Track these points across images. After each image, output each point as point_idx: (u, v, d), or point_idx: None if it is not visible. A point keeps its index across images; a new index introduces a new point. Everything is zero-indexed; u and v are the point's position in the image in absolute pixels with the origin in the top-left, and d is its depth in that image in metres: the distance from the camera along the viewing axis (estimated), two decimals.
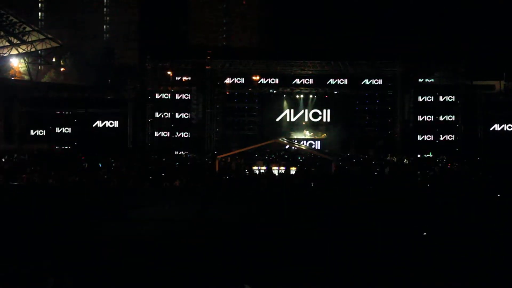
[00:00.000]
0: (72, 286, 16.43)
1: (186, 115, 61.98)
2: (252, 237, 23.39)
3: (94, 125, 61.38)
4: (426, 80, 62.28)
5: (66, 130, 61.60)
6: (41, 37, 63.31)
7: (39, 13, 77.82)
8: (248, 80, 62.41)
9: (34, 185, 38.96)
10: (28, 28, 62.20)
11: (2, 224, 24.91)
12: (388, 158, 56.75)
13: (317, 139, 63.42)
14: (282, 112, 64.33)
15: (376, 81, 61.42)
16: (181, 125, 62.04)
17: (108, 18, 77.80)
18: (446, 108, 60.02)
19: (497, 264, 19.16)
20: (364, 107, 63.37)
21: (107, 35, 77.36)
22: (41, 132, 61.66)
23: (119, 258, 19.89)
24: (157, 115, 61.53)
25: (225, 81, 62.55)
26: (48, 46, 63.88)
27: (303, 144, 61.15)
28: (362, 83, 61.75)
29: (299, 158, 56.18)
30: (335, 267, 19.03)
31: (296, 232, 24.13)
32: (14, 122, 61.32)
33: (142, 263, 19.03)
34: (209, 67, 60.90)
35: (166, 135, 61.73)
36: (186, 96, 61.77)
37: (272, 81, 62.38)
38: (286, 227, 25.17)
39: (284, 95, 63.88)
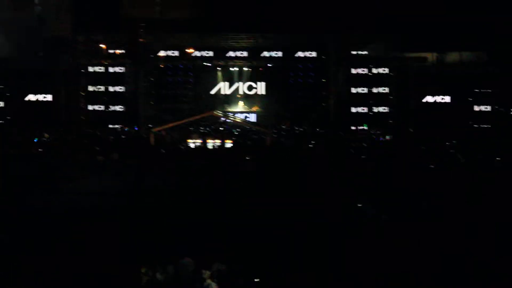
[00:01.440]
0: None
1: (120, 89, 61.36)
2: (188, 208, 23.44)
3: (26, 99, 60.32)
4: (359, 52, 62.68)
5: None
6: None
7: None
8: (182, 53, 62.05)
9: None
10: None
11: None
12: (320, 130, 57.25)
13: (252, 112, 63.51)
14: (216, 85, 64.13)
15: (310, 54, 61.66)
16: (115, 98, 61.35)
17: None
18: (380, 80, 60.61)
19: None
20: (298, 79, 63.57)
21: (39, 6, 75.92)
22: None
23: (52, 232, 19.76)
24: (90, 88, 60.80)
25: (158, 54, 62.04)
26: None
27: (238, 117, 61.20)
28: (296, 55, 61.88)
29: (234, 131, 56.32)
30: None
31: (232, 204, 24.27)
32: None
33: (76, 237, 18.90)
34: (142, 40, 60.34)
35: (100, 108, 61.08)
36: (120, 69, 61.14)
37: (206, 54, 62.11)
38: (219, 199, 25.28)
39: (219, 68, 63.67)
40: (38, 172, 32.71)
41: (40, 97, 60.34)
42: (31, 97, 60.31)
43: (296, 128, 58.66)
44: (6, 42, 62.41)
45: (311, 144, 49.05)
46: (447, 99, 59.36)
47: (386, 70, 60.50)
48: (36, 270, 16.04)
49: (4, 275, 15.75)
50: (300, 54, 61.74)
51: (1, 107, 60.20)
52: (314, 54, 61.69)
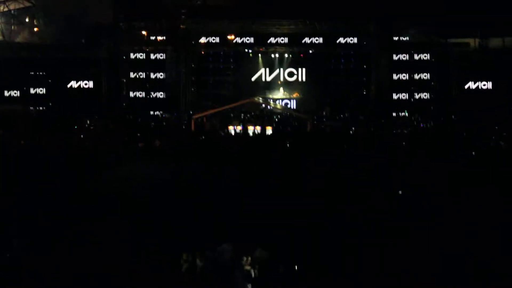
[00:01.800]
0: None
1: (161, 75, 61.63)
2: (229, 196, 23.46)
3: (68, 86, 60.86)
4: (401, 38, 62.20)
5: (41, 91, 60.99)
6: None
7: None
8: (223, 40, 62.08)
9: (8, 146, 38.68)
10: None
11: None
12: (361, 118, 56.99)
13: (293, 99, 63.40)
14: (257, 71, 64.01)
15: (351, 40, 61.28)
16: (156, 85, 61.66)
17: None
18: (421, 66, 60.13)
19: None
20: (339, 66, 63.29)
21: None
22: (15, 93, 61.06)
23: (96, 217, 19.96)
24: (132, 75, 61.16)
25: (200, 41, 62.14)
26: (21, 5, 62.97)
27: (278, 103, 61.18)
28: (337, 41, 61.57)
29: (274, 117, 56.31)
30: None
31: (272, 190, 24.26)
32: None
33: (115, 224, 19.06)
34: (183, 26, 60.46)
35: (141, 95, 61.42)
36: (161, 56, 61.38)
37: (247, 40, 62.09)
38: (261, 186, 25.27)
39: (259, 54, 63.61)
40: (80, 159, 32.99)
41: (82, 84, 60.84)
42: (73, 84, 60.81)
43: (337, 115, 58.41)
44: (48, 29, 62.99)
45: (352, 130, 48.89)
46: (489, 85, 58.71)
47: (427, 56, 59.98)
48: (82, 251, 16.29)
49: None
50: (341, 40, 61.38)
51: (43, 94, 60.80)
52: (355, 40, 61.30)
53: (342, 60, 63.12)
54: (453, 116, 54.76)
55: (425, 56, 59.96)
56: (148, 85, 61.26)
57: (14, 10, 63.27)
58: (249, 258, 15.25)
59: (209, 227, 18.58)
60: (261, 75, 64.13)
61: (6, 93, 60.99)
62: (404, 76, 60.12)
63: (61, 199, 22.58)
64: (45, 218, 19.50)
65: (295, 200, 22.47)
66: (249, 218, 19.76)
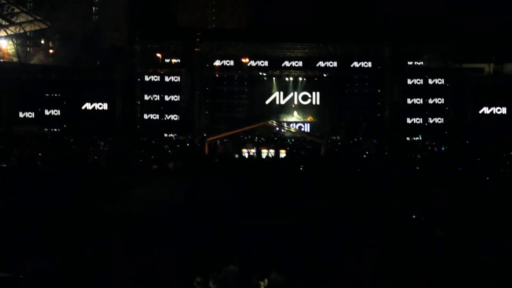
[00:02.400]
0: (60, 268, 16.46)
1: (175, 98, 61.72)
2: (243, 217, 23.42)
3: (83, 107, 61.11)
4: (415, 63, 62.29)
5: (55, 112, 61.24)
6: (30, 18, 62.69)
7: None
8: (237, 63, 62.23)
9: (23, 167, 38.81)
10: (16, 10, 61.56)
11: None
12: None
13: (307, 122, 63.44)
14: (271, 94, 64.17)
15: (365, 64, 61.30)
16: (170, 107, 61.75)
17: None
18: (435, 91, 59.95)
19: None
20: (354, 89, 63.31)
21: (96, 16, 77.04)
22: (29, 115, 61.38)
23: (111, 238, 19.97)
24: (146, 97, 61.31)
25: (214, 63, 62.31)
26: (37, 27, 63.49)
27: (292, 126, 61.16)
28: (352, 65, 61.59)
29: (288, 141, 56.28)
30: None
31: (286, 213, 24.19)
32: (3, 104, 60.80)
33: (135, 243, 19.09)
34: (198, 49, 60.68)
35: (155, 117, 61.53)
36: (175, 79, 61.46)
37: (262, 63, 62.23)
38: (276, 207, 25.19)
39: (274, 78, 63.72)
40: (94, 181, 33.02)
41: (97, 106, 61.07)
42: (87, 105, 61.04)
43: (351, 138, 58.28)
44: (63, 51, 63.44)
45: (365, 154, 48.73)
46: (503, 110, 58.54)
47: (442, 81, 59.88)
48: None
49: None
50: (356, 64, 61.40)
51: (58, 115, 61.05)
52: (369, 64, 61.31)
53: (356, 84, 63.09)
54: (467, 141, 54.54)
55: (439, 81, 59.80)
56: (163, 107, 61.36)
57: (29, 32, 63.76)
58: (265, 281, 15.20)
59: (222, 248, 18.55)
60: (275, 98, 64.28)
61: (21, 115, 61.22)
62: (418, 101, 59.97)
63: (75, 220, 22.59)
64: (58, 239, 19.50)
65: (308, 222, 22.41)
66: (263, 240, 19.71)
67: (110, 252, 18.18)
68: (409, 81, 60.31)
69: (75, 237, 19.92)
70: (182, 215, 24.20)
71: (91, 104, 61.03)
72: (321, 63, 61.62)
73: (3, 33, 62.38)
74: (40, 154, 42.86)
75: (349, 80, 62.97)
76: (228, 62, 62.25)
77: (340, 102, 63.20)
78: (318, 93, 63.93)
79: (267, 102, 64.11)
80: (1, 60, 62.84)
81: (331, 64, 61.50)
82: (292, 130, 58.21)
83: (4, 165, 39.48)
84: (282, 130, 57.47)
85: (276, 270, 15.54)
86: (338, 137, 59.72)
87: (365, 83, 62.87)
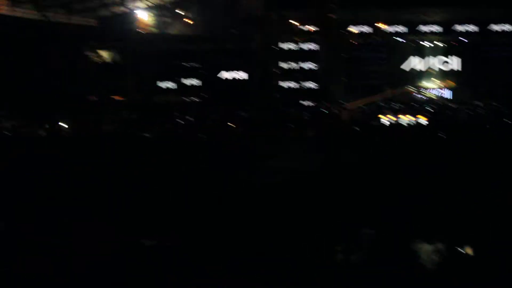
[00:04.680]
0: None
1: (312, 65, 61.53)
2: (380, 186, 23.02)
3: (221, 77, 61.80)
4: None
5: (194, 82, 62.22)
6: None
7: None
8: (374, 29, 61.40)
9: (164, 137, 39.58)
10: None
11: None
12: None
13: (446, 88, 61.90)
14: (409, 60, 62.93)
15: (505, 27, 59.26)
16: (308, 75, 61.66)
17: None
18: None
19: None
20: (493, 53, 61.27)
21: None
22: (169, 84, 62.57)
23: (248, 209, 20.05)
24: (283, 65, 61.37)
25: (350, 30, 61.64)
26: None
27: (431, 93, 59.92)
28: (491, 29, 59.63)
29: (428, 107, 55.20)
30: None
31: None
32: (143, 74, 62.17)
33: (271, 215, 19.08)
34: (334, 16, 60.12)
35: (292, 85, 61.56)
36: (312, 46, 61.22)
37: (398, 29, 61.16)
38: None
39: (412, 43, 62.44)
40: (235, 150, 33.32)
41: (234, 74, 61.60)
42: (225, 74, 61.68)
43: (494, 104, 56.48)
44: (201, 21, 64.09)
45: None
46: None
47: None
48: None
49: None
50: (495, 27, 59.38)
51: (199, 85, 61.99)
52: (509, 27, 59.18)
53: (496, 48, 60.99)
54: None
55: None
56: (300, 75, 61.32)
57: (168, 2, 64.70)
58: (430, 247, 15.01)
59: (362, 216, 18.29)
60: (413, 64, 62.90)
61: (161, 84, 62.51)
62: None
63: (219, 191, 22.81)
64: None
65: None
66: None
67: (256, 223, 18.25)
68: None
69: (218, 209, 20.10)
70: (321, 184, 24.03)
71: (229, 73, 61.58)
72: (459, 27, 59.91)
73: (142, 5, 63.50)
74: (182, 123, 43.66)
75: (489, 44, 60.88)
76: (364, 29, 61.43)
77: (481, 67, 61.20)
78: (457, 58, 62.13)
79: (405, 68, 62.85)
80: (141, 31, 64.00)
81: (469, 27, 59.73)
82: (432, 96, 57.03)
83: (147, 135, 40.44)
84: (421, 97, 56.35)
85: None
86: (481, 103, 57.88)
87: (506, 47, 60.66)
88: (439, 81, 62.09)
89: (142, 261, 15.33)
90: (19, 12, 55.65)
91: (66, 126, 46.39)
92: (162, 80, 62.71)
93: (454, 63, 62.14)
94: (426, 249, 15.19)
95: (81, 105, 52.58)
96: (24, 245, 16.46)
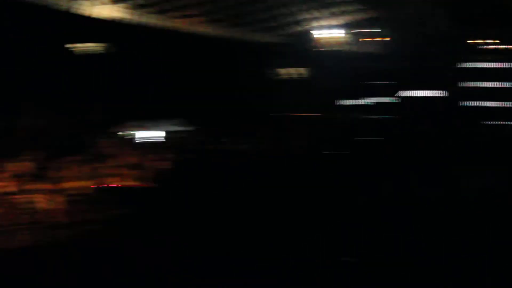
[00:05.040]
0: None
1: (498, 85, 60.47)
2: None
3: (417, 95, 61.99)
4: None
5: (387, 99, 62.54)
6: (358, 7, 63.82)
7: None
8: None
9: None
10: None
11: None
12: None
13: None
14: None
15: None
16: (494, 94, 59.94)
17: None
18: None
19: None
20: None
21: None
22: (360, 101, 63.34)
23: None
24: (478, 84, 60.58)
25: None
26: (367, 16, 65.03)
27: None
28: None
29: None
30: None
31: None
32: (335, 91, 62.54)
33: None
34: None
35: (482, 104, 59.99)
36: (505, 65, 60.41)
37: None
38: None
39: None
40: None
41: (430, 93, 61.97)
42: (421, 92, 62.04)
43: None
44: (392, 39, 64.38)
45: None
46: None
47: None
48: None
49: None
50: None
51: (390, 102, 62.66)
52: None
53: None
54: None
55: None
56: (489, 94, 60.25)
57: (358, 21, 65.16)
58: None
59: None
60: None
61: (341, 102, 63.49)
62: None
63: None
64: None
65: None
66: None
67: None
68: None
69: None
70: None
71: (424, 91, 61.69)
72: None
73: (332, 22, 64.87)
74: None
75: None
76: None
77: None
78: None
79: None
80: (332, 49, 65.37)
81: None
82: None
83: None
84: None
85: None
86: None
87: None
88: None
89: None
90: (214, 31, 58.42)
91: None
92: (353, 97, 63.20)
93: None
94: None
95: (279, 122, 54.60)
96: None
